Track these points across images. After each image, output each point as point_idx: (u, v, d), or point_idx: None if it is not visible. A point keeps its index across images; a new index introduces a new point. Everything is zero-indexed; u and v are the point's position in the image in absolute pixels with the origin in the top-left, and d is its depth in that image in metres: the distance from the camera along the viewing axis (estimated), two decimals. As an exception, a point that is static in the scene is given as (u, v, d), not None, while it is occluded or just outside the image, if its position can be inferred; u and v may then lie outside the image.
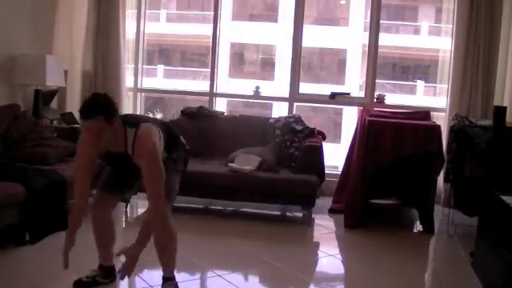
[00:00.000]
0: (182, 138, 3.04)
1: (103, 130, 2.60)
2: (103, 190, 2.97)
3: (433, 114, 5.06)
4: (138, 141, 2.65)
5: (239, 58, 11.31)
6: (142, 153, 2.64)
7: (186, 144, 3.05)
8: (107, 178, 2.99)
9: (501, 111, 3.95)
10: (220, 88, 5.85)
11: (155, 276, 3.21)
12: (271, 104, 7.42)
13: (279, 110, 6.13)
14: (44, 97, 4.88)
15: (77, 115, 5.26)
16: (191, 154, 3.15)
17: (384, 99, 5.38)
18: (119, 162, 2.85)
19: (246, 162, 4.50)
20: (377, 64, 5.49)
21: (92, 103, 2.61)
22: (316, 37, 9.05)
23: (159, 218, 2.69)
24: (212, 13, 5.72)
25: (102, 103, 2.62)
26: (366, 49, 5.55)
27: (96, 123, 2.58)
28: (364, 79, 5.77)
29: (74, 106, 5.39)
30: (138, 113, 5.84)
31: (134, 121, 2.76)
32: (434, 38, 7.25)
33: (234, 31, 10.19)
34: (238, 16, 10.67)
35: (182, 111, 5.28)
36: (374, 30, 5.44)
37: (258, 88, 5.79)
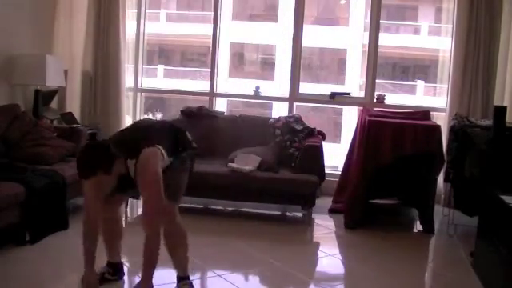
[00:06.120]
0: (188, 134, 3.00)
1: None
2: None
3: (433, 113, 5.06)
4: (139, 170, 2.62)
5: (239, 58, 11.29)
6: (144, 184, 2.63)
7: (193, 141, 3.02)
8: None
9: (501, 111, 3.95)
10: (220, 88, 5.86)
11: (155, 276, 3.20)
12: (271, 104, 7.42)
13: (279, 110, 6.12)
14: (44, 97, 4.87)
15: (77, 115, 5.29)
16: (198, 151, 3.11)
17: (384, 99, 5.38)
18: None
19: (246, 161, 4.49)
20: (377, 64, 5.49)
21: (89, 160, 2.57)
22: (316, 37, 9.04)
23: (158, 237, 2.69)
24: (212, 13, 5.73)
25: (99, 156, 2.57)
26: (366, 49, 5.55)
27: (97, 178, 2.58)
28: (364, 79, 5.77)
29: (73, 106, 5.40)
30: (137, 112, 5.84)
31: (132, 146, 2.66)
32: (434, 37, 7.23)
33: (234, 31, 10.18)
34: (237, 16, 10.66)
35: (181, 111, 5.28)
36: (374, 30, 5.44)
37: (258, 88, 5.79)
